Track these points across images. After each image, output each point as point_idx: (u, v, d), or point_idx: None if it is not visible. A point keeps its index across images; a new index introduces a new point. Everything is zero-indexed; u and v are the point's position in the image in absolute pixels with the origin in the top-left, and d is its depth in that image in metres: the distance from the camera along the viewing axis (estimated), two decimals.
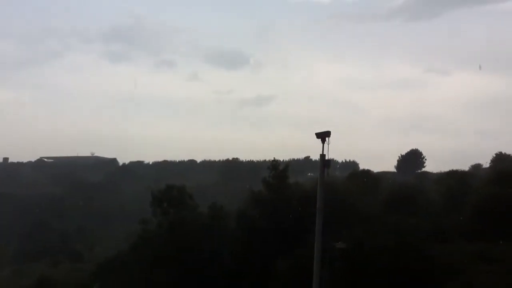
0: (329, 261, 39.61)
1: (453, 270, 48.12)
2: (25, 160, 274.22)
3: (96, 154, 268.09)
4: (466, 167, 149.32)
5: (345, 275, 48.66)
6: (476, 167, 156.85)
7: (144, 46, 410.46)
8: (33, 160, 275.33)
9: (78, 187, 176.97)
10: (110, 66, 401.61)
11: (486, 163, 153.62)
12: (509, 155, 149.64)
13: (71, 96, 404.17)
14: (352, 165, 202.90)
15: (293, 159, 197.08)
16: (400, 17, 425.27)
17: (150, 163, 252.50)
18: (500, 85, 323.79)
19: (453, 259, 50.45)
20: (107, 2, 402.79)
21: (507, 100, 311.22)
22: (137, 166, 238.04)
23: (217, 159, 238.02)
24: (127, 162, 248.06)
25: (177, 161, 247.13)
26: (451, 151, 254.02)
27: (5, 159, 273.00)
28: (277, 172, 70.31)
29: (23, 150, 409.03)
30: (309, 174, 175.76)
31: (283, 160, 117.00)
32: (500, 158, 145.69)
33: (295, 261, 51.34)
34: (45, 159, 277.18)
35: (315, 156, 24.85)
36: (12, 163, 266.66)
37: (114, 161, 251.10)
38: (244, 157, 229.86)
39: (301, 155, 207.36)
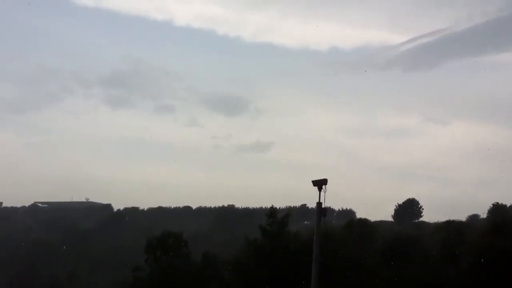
0: None
1: None
2: (19, 204, 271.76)
3: (90, 200, 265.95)
4: (463, 217, 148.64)
5: None
6: (473, 218, 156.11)
7: (144, 91, 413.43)
8: (27, 205, 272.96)
9: (71, 233, 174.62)
10: (108, 111, 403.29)
11: (483, 213, 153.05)
12: (506, 205, 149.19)
13: (68, 140, 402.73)
14: (349, 213, 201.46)
15: (290, 206, 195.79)
16: (398, 66, 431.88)
17: (145, 209, 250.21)
18: (497, 135, 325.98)
19: None
20: (107, 46, 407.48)
21: (505, 150, 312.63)
22: (131, 212, 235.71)
23: (212, 206, 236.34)
24: (121, 208, 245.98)
25: (172, 207, 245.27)
26: (448, 200, 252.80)
27: None
28: (275, 220, 69.71)
29: (17, 195, 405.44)
30: (306, 222, 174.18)
31: (280, 208, 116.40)
32: (497, 209, 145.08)
33: None
34: (39, 204, 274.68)
35: (312, 204, 24.73)
36: (6, 208, 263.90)
37: (108, 206, 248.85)
38: (240, 203, 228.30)
39: (297, 203, 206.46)
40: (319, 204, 23.17)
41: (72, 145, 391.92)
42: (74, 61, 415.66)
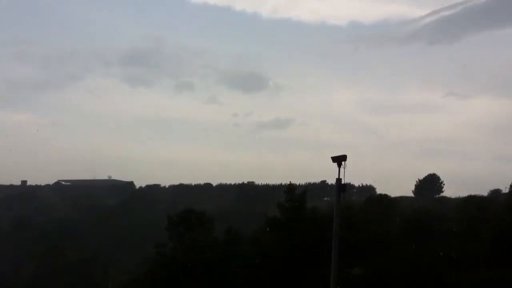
0: (345, 286, 39.13)
1: None
2: (43, 183, 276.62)
3: (113, 177, 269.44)
4: (485, 193, 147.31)
5: None
6: (495, 192, 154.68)
7: (163, 69, 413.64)
8: (50, 183, 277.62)
9: (94, 211, 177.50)
10: (128, 89, 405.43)
11: (505, 188, 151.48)
12: None
13: (90, 119, 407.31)
14: (369, 189, 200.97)
15: (310, 183, 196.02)
16: (419, 41, 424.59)
17: (167, 186, 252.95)
18: None
19: (473, 287, 49.54)
20: (126, 24, 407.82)
21: None
22: (153, 190, 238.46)
23: (232, 183, 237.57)
24: (143, 185, 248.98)
25: (193, 184, 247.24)
26: (469, 176, 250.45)
27: (23, 182, 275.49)
28: (293, 196, 69.87)
29: (41, 173, 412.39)
30: (326, 198, 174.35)
31: (299, 184, 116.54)
32: None
33: (312, 286, 50.78)
34: (63, 182, 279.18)
35: (332, 180, 24.78)
36: (30, 186, 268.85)
37: (131, 184, 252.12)
38: (260, 180, 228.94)
39: (317, 179, 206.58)
40: (338, 180, 23.20)
41: (93, 123, 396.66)
42: (93, 41, 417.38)
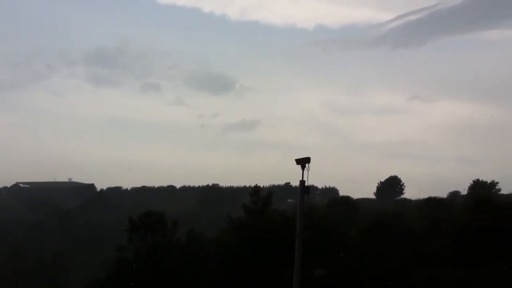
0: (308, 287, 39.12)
1: None
2: (0, 185, 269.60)
3: (73, 180, 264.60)
4: (444, 194, 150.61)
5: None
6: (454, 194, 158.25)
7: (129, 70, 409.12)
8: (8, 185, 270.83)
9: (54, 213, 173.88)
10: (93, 89, 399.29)
11: (464, 190, 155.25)
12: (486, 182, 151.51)
13: (51, 120, 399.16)
14: (332, 191, 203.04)
15: (274, 185, 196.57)
16: (385, 44, 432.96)
17: (129, 189, 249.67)
18: (480, 113, 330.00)
19: (436, 286, 50.38)
20: (92, 24, 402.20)
21: (487, 127, 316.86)
22: (115, 192, 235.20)
23: (196, 185, 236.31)
24: (104, 188, 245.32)
25: (156, 187, 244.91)
26: (430, 178, 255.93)
27: None
28: (258, 198, 69.91)
29: None
30: (289, 200, 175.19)
31: (264, 186, 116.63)
32: (477, 185, 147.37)
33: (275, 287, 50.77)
34: (21, 184, 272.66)
35: (296, 182, 24.73)
36: None
37: (91, 186, 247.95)
38: (224, 182, 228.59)
39: (282, 181, 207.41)
40: (302, 182, 23.11)
41: (55, 124, 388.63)
42: (57, 39, 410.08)
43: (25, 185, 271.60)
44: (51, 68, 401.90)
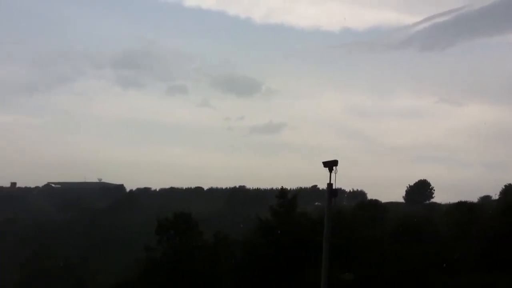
0: None
1: None
2: (32, 185, 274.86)
3: (103, 180, 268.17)
4: (475, 199, 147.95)
5: None
6: (485, 199, 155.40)
7: (156, 72, 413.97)
8: (40, 185, 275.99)
9: (85, 213, 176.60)
10: (121, 91, 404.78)
11: (495, 195, 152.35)
12: None
13: (81, 121, 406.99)
14: (360, 194, 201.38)
15: (301, 188, 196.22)
16: (412, 46, 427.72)
17: (157, 189, 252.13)
18: (509, 116, 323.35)
19: None
20: (119, 27, 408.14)
21: None
22: (143, 193, 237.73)
23: (224, 187, 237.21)
24: (134, 188, 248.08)
25: (184, 188, 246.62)
26: (460, 182, 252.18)
27: (13, 184, 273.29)
28: (285, 201, 69.85)
29: (31, 175, 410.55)
30: (316, 203, 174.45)
31: (290, 189, 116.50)
32: (509, 190, 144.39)
33: None
34: (53, 185, 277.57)
35: (323, 185, 24.74)
36: (20, 188, 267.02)
37: (121, 187, 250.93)
38: (251, 184, 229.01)
39: (308, 184, 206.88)
40: (329, 185, 23.12)
41: (85, 126, 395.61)
42: (85, 43, 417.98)
43: (56, 185, 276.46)
44: (79, 70, 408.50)
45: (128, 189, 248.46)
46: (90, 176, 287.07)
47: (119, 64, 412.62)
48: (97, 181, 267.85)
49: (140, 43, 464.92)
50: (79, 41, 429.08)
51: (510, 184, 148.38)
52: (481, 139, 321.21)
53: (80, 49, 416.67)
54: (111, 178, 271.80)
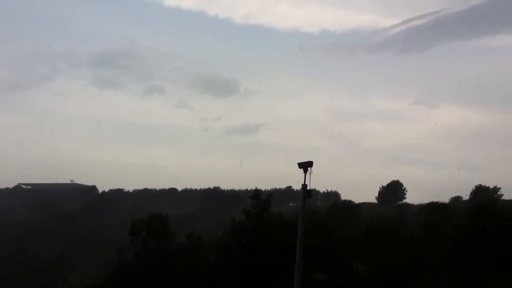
0: None
1: None
2: (2, 186, 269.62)
3: (75, 181, 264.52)
4: (446, 199, 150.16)
5: None
6: (456, 199, 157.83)
7: (133, 72, 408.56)
8: (10, 186, 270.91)
9: (56, 215, 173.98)
10: (97, 91, 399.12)
11: (466, 195, 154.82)
12: (488, 187, 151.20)
13: (54, 121, 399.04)
14: (334, 195, 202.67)
15: (275, 189, 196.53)
16: (390, 49, 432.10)
17: (130, 191, 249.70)
18: (484, 118, 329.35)
19: None
20: (97, 26, 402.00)
21: (489, 133, 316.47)
22: (116, 194, 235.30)
23: (198, 188, 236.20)
24: (106, 189, 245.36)
25: (158, 189, 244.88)
26: (432, 183, 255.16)
27: None
28: (258, 202, 69.85)
29: (1, 176, 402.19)
30: (291, 204, 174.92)
31: (265, 190, 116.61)
32: (479, 191, 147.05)
33: None
34: (23, 186, 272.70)
35: (298, 186, 24.78)
36: None
37: (93, 188, 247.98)
38: (226, 186, 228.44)
39: (284, 185, 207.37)
40: (304, 185, 23.16)
41: (58, 125, 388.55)
42: (63, 41, 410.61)
43: (27, 186, 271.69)
44: (56, 69, 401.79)
45: (100, 190, 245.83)
46: (62, 177, 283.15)
47: (97, 64, 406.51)
48: (69, 182, 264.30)
49: (119, 43, 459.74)
50: (56, 39, 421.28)
51: (480, 185, 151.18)
52: (455, 141, 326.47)
53: (57, 48, 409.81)
54: (84, 179, 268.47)
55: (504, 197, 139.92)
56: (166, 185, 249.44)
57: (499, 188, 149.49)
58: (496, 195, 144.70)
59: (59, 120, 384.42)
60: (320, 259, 49.77)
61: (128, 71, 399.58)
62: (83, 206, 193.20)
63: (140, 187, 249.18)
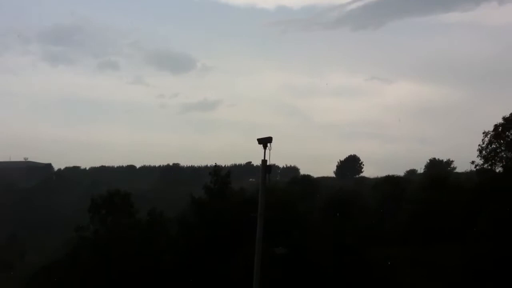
0: (269, 266, 39.74)
1: (389, 274, 49.50)
2: None
3: (29, 159, 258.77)
4: (402, 173, 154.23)
5: (284, 280, 49.03)
6: (411, 173, 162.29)
7: (86, 48, 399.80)
8: None
9: (9, 193, 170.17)
10: (48, 68, 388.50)
11: (420, 169, 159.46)
12: (442, 161, 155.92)
13: (5, 99, 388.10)
14: (293, 170, 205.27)
15: (235, 165, 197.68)
16: (346, 25, 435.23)
17: (87, 168, 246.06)
18: (437, 94, 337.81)
19: (389, 263, 51.89)
20: (47, 1, 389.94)
21: (444, 108, 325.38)
22: (73, 172, 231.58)
23: (157, 165, 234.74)
24: (62, 167, 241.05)
25: (115, 166, 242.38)
26: (389, 157, 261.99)
27: None
28: (218, 178, 70.04)
29: None
30: (251, 179, 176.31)
31: (225, 166, 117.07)
32: (433, 164, 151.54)
33: (236, 266, 51.30)
34: None
35: (257, 162, 25.06)
36: None
37: (49, 166, 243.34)
38: (185, 162, 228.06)
39: (243, 161, 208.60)
40: (264, 161, 23.39)
41: (9, 103, 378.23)
42: (11, 16, 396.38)
43: None
44: (5, 45, 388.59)
45: (56, 168, 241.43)
46: (16, 155, 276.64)
47: (49, 40, 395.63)
48: (23, 160, 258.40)
49: (70, 18, 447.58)
50: (5, 14, 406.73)
51: (434, 158, 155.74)
52: (409, 115, 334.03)
53: (6, 23, 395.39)
54: (38, 157, 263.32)
55: (457, 170, 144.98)
56: (124, 162, 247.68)
57: (452, 161, 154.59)
58: (449, 168, 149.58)
59: (11, 97, 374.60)
60: (280, 234, 50.47)
61: (81, 47, 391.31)
62: (39, 184, 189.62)
63: (97, 164, 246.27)
